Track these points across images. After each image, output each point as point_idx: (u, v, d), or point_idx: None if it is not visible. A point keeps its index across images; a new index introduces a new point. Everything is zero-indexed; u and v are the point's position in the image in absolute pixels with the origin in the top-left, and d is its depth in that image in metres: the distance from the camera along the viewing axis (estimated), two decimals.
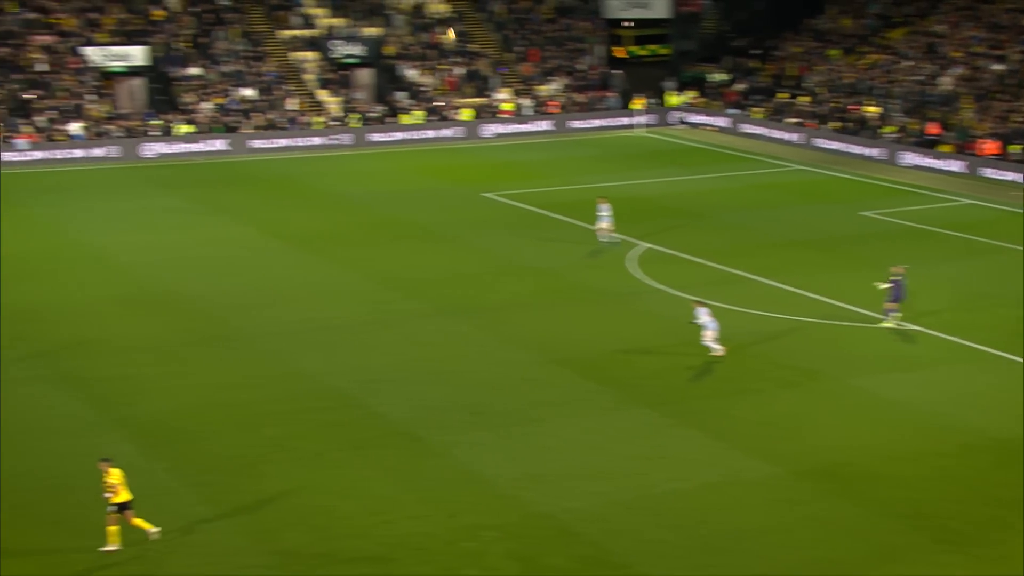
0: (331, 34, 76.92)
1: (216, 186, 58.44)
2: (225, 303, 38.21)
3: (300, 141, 69.45)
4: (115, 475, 22.28)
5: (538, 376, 31.69)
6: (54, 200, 54.21)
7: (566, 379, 31.43)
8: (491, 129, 73.99)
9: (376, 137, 71.30)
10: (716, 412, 29.17)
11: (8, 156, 62.65)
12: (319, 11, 78.67)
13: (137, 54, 70.82)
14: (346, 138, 70.56)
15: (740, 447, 27.03)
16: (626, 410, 29.37)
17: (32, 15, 71.34)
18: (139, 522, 22.49)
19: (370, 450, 26.96)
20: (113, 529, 22.30)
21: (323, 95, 74.13)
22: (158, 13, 74.39)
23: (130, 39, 71.78)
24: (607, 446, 27.22)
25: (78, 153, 64.51)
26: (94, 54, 70.10)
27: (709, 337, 32.60)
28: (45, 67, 68.71)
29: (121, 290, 39.75)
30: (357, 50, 76.28)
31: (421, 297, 38.98)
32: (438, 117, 73.71)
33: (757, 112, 74.63)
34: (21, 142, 63.46)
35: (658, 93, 79.52)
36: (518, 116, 75.33)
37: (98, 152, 64.98)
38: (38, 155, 63.47)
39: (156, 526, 22.63)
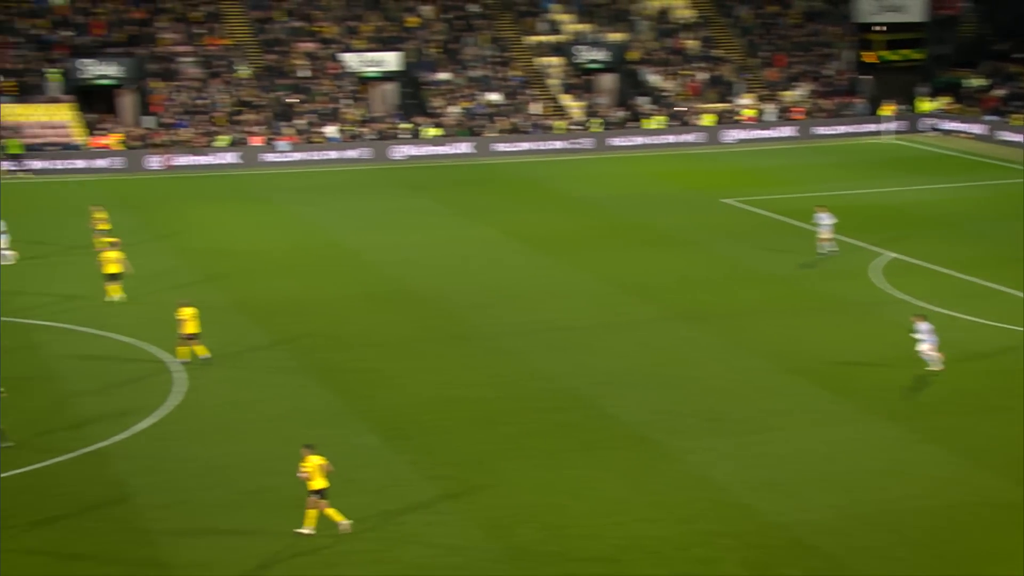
0: (576, 40, 77.67)
1: (460, 188, 59.86)
2: (465, 302, 39.13)
3: (542, 145, 70.41)
4: (312, 461, 23.15)
5: (774, 385, 31.18)
6: (310, 199, 56.67)
7: (803, 388, 30.81)
8: (733, 135, 73.15)
9: (617, 141, 71.57)
10: (963, 429, 28.02)
11: (271, 157, 65.99)
12: (565, 17, 79.55)
13: (391, 60, 73.38)
14: (587, 142, 71.10)
15: (990, 467, 25.87)
16: (865, 422, 28.57)
17: (298, 23, 74.91)
18: (331, 512, 23.22)
19: (602, 451, 27.13)
20: (311, 513, 23.15)
21: (566, 100, 74.92)
22: (412, 20, 76.82)
23: (385, 45, 74.44)
24: (845, 458, 26.54)
25: (333, 155, 67.31)
26: (351, 60, 73.04)
27: (928, 350, 31.36)
28: (307, 73, 72.02)
29: (368, 287, 41.23)
30: (601, 55, 76.78)
31: (655, 301, 38.93)
32: (679, 122, 73.40)
33: (1017, 119, 71.16)
34: (283, 144, 66.71)
35: (909, 99, 76.88)
36: (761, 122, 74.20)
37: (351, 154, 67.63)
38: (297, 156, 66.56)
39: (346, 520, 23.10)
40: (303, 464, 23.16)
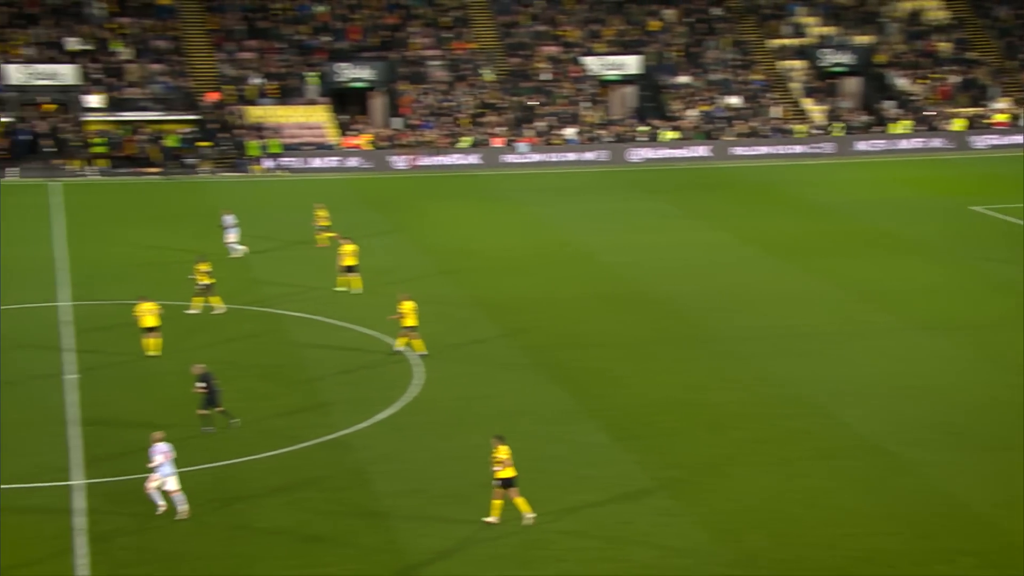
0: (821, 42, 76.00)
1: (696, 191, 59.48)
2: (698, 305, 38.89)
3: (782, 149, 69.23)
4: (503, 451, 23.48)
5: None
6: (547, 200, 57.38)
7: None
8: (984, 140, 70.11)
9: (860, 146, 69.67)
10: None
11: (511, 158, 67.21)
12: (810, 20, 77.97)
13: (631, 63, 73.59)
14: (828, 147, 69.47)
15: None
16: None
17: (542, 27, 76.03)
18: (519, 502, 23.47)
19: (837, 460, 26.52)
20: (496, 503, 23.47)
21: (808, 103, 73.40)
22: (654, 24, 76.82)
23: (626, 49, 74.72)
24: None
25: (571, 156, 67.99)
26: (592, 63, 73.64)
27: None
28: (549, 76, 73.00)
29: (601, 288, 41.47)
30: (846, 58, 74.87)
31: (896, 310, 37.75)
32: (927, 127, 70.84)
33: None
34: (522, 145, 67.82)
35: None
36: (1016, 127, 70.82)
37: (589, 156, 68.15)
38: (536, 157, 67.54)
39: (531, 512, 23.35)
40: (494, 454, 23.56)
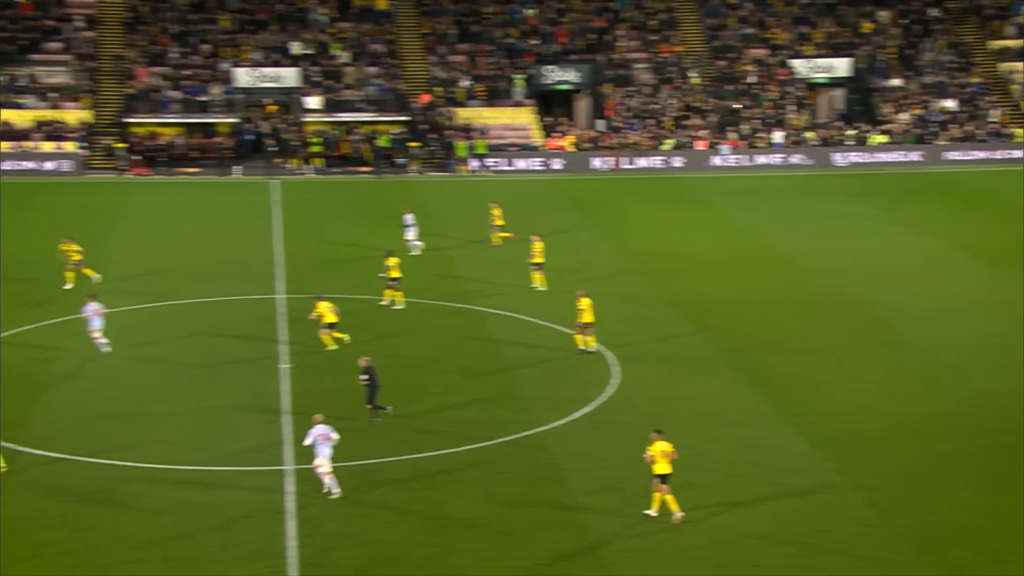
0: None
1: (905, 196, 57.92)
2: (903, 312, 37.97)
3: (999, 154, 66.79)
4: (658, 447, 23.64)
5: None
6: (749, 203, 56.81)
7: None
8: None
9: None
10: None
11: (714, 161, 66.80)
12: None
13: (840, 65, 72.16)
14: None
15: None
16: None
17: (749, 30, 75.27)
18: (669, 499, 23.55)
19: None
20: (657, 496, 23.61)
21: None
22: (867, 26, 75.10)
23: (836, 51, 73.28)
24: None
25: (775, 160, 67.10)
26: (800, 66, 72.52)
27: None
28: (754, 79, 72.22)
29: (802, 292, 40.91)
30: None
31: None
32: None
33: None
34: (725, 148, 67.31)
35: None
36: None
37: (794, 159, 67.15)
38: (740, 161, 66.93)
39: (680, 511, 23.41)
40: (649, 448, 23.73)
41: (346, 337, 34.30)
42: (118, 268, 43.29)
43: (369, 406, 28.88)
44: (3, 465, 25.75)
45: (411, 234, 46.03)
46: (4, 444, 26.91)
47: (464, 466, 26.57)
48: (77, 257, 40.63)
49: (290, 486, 25.32)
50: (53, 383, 31.59)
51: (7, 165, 62.17)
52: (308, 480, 25.27)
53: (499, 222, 47.53)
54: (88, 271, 40.58)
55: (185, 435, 28.09)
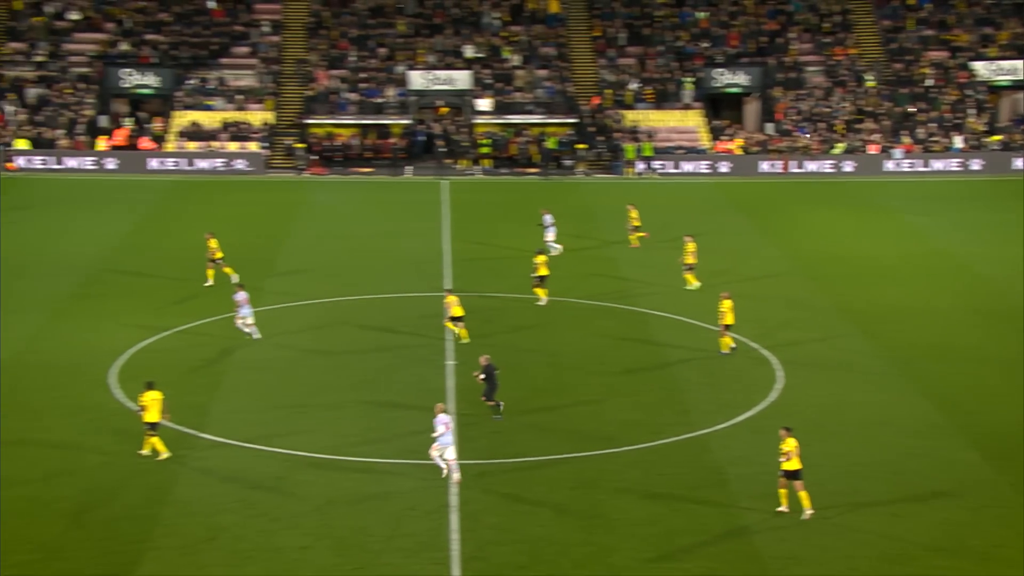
0: None
1: None
2: None
3: None
4: (789, 443, 23.75)
5: None
6: (924, 208, 55.33)
7: None
8: None
9: None
10: None
11: (887, 166, 65.31)
12: None
13: None
14: None
15: None
16: None
17: (929, 32, 73.31)
18: (803, 496, 23.60)
19: None
20: (782, 492, 23.79)
21: None
22: None
23: (1021, 53, 70.78)
24: None
25: (952, 164, 65.24)
26: (982, 68, 70.30)
27: None
28: (931, 81, 70.31)
29: (977, 300, 39.79)
30: None
31: None
32: None
33: None
34: (899, 152, 65.71)
35: None
36: None
37: (972, 164, 65.20)
38: (914, 165, 65.24)
39: (811, 508, 23.61)
40: (781, 445, 23.85)
41: (464, 334, 34.80)
42: (293, 264, 44.73)
43: (488, 401, 29.36)
44: (165, 451, 26.95)
45: (550, 235, 46.41)
46: (184, 430, 28.17)
47: (625, 466, 26.70)
48: (218, 255, 41.31)
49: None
50: (229, 372, 32.86)
51: (197, 164, 65.03)
52: (472, 475, 25.74)
53: (636, 223, 47.49)
54: (228, 270, 41.25)
55: (353, 426, 28.92)
